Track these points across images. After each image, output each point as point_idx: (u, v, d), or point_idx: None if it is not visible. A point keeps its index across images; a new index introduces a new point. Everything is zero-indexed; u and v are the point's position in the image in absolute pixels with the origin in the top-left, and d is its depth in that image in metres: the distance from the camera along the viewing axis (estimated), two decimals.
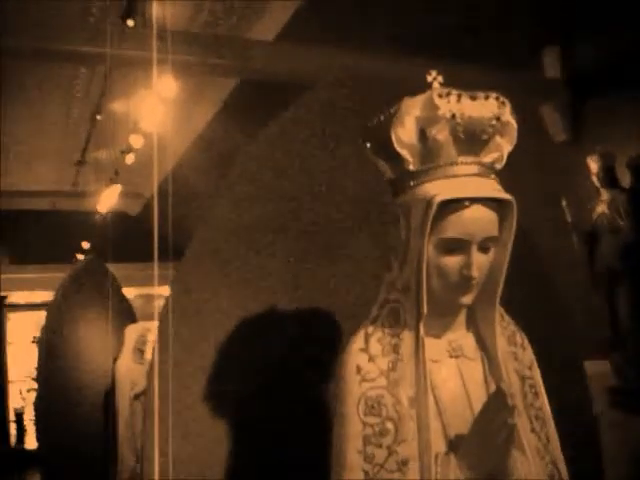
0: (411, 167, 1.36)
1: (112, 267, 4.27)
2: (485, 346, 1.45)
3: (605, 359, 4.12)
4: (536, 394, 1.48)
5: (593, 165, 4.42)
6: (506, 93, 1.37)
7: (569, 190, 4.93)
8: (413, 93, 1.36)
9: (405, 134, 1.34)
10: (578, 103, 5.34)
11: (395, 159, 1.38)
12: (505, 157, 1.41)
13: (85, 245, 7.75)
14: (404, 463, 1.33)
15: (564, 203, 4.64)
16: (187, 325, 1.75)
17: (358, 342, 1.42)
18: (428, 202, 1.31)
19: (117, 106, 6.09)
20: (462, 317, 1.45)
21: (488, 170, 1.37)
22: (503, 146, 1.39)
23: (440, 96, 1.31)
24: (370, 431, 1.35)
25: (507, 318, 1.52)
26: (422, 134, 1.34)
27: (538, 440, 1.43)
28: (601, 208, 4.40)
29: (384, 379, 1.38)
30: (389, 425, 1.35)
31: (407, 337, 1.40)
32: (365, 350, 1.41)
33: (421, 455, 1.33)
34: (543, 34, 5.10)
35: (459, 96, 1.31)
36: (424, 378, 1.37)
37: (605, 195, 4.39)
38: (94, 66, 5.64)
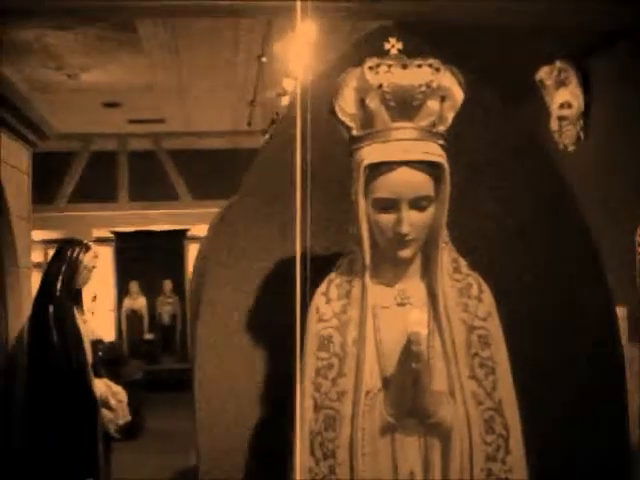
0: (354, 133, 1.50)
1: None
2: (433, 296, 1.57)
3: None
4: (486, 344, 1.56)
5: None
6: None
7: None
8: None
9: (346, 103, 1.48)
10: None
11: (345, 125, 1.52)
12: (449, 119, 1.49)
13: None
14: (342, 394, 1.52)
15: None
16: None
17: (322, 287, 1.62)
18: (359, 165, 1.45)
19: (276, 50, 6.44)
20: (415, 267, 1.58)
21: (427, 134, 1.46)
22: (443, 110, 1.47)
23: (370, 68, 1.42)
24: (320, 364, 1.56)
25: (465, 270, 1.61)
26: (361, 103, 1.47)
27: (478, 386, 1.53)
28: None
29: (336, 320, 1.57)
30: (334, 360, 1.55)
31: (357, 284, 1.57)
32: (325, 294, 1.60)
33: (354, 389, 1.51)
34: None
35: (389, 66, 1.41)
36: (365, 322, 1.53)
37: None
38: (255, 15, 6.04)
